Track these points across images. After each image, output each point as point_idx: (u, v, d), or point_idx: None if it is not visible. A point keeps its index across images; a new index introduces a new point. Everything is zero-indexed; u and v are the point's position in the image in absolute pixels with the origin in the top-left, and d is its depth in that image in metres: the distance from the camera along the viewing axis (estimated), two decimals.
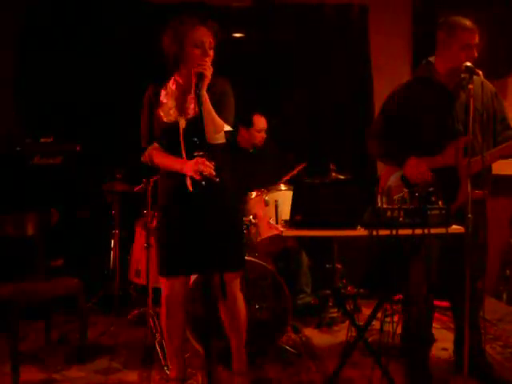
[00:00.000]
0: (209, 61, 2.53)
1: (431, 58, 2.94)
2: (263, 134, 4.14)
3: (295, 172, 3.95)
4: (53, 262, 4.22)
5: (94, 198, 4.23)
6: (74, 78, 4.53)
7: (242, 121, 4.08)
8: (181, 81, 2.64)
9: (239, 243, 2.78)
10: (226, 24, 4.72)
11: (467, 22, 2.79)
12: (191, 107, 2.59)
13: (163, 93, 2.66)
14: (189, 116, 2.58)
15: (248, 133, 4.12)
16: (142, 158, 2.70)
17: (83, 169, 4.35)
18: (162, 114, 2.61)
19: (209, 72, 2.49)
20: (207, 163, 2.42)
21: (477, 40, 2.77)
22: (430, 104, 2.86)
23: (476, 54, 2.75)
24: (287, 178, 3.90)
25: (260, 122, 4.14)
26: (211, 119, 2.52)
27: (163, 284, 2.70)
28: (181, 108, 2.60)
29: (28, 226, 3.46)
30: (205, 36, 2.55)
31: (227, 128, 2.62)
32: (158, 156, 2.64)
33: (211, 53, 2.57)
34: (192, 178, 2.47)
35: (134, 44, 4.45)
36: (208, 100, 2.51)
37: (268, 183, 3.79)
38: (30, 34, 4.56)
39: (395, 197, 2.44)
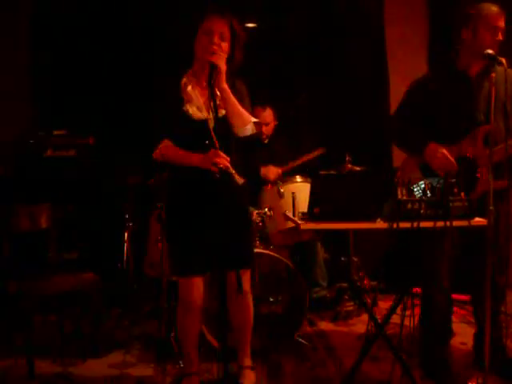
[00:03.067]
0: (219, 51, 2.45)
1: (457, 47, 2.87)
2: (263, 127, 4.08)
3: (311, 157, 3.89)
4: (67, 255, 4.21)
5: (108, 191, 4.20)
6: (88, 71, 4.50)
7: None
8: (196, 74, 2.57)
9: (250, 240, 2.76)
10: (238, 14, 4.74)
11: (494, 7, 2.76)
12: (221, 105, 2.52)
13: (188, 86, 2.55)
14: (220, 114, 2.49)
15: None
16: (154, 155, 2.60)
17: (97, 162, 4.33)
18: (190, 110, 2.51)
19: (220, 62, 2.41)
20: (223, 155, 2.37)
21: (503, 24, 2.73)
22: (452, 94, 2.81)
23: (502, 38, 2.71)
24: (303, 160, 3.84)
25: (258, 114, 4.07)
26: (237, 112, 2.49)
27: (182, 285, 2.64)
28: (210, 105, 2.48)
29: (41, 219, 3.44)
30: (216, 25, 2.48)
31: (254, 119, 2.60)
32: (171, 152, 2.54)
33: (223, 45, 2.48)
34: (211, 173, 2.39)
35: (149, 34, 4.41)
36: (230, 93, 2.46)
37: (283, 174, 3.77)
38: (44, 27, 4.52)
39: (412, 186, 2.39)
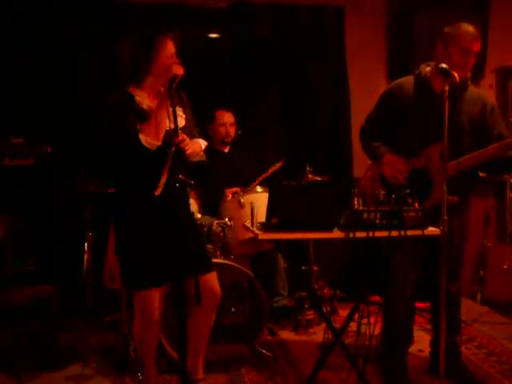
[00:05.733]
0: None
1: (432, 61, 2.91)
2: (228, 128, 4.11)
3: (272, 170, 3.91)
4: (24, 265, 4.12)
5: (68, 200, 4.14)
6: (46, 79, 4.44)
7: (205, 118, 4.09)
8: (148, 91, 2.58)
9: (204, 243, 2.84)
10: (201, 24, 4.76)
11: (470, 28, 2.76)
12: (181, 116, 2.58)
13: (145, 99, 2.54)
14: (180, 125, 2.50)
15: (212, 129, 4.10)
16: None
17: (56, 170, 4.26)
18: (145, 141, 2.45)
19: (180, 71, 2.47)
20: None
21: (475, 47, 2.73)
22: (418, 106, 2.86)
23: (473, 61, 2.72)
24: (265, 176, 3.87)
25: (222, 116, 4.11)
26: (194, 154, 2.60)
27: (138, 298, 2.61)
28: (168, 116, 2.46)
29: None
30: (173, 46, 2.58)
31: (203, 144, 2.71)
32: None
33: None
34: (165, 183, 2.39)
35: (106, 44, 4.36)
36: (191, 144, 2.52)
37: (244, 184, 3.77)
38: None
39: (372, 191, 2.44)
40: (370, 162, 3.06)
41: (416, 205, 2.40)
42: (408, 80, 2.95)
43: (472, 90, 2.88)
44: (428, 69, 2.87)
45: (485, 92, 2.91)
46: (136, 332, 2.68)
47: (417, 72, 2.91)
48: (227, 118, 4.12)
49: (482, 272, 4.57)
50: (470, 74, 2.86)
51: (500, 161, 2.77)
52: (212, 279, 2.69)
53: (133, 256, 2.56)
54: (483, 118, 2.85)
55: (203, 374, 2.81)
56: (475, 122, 2.84)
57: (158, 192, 2.38)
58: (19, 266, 3.82)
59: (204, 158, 2.74)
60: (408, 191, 2.41)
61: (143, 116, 2.47)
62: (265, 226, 2.41)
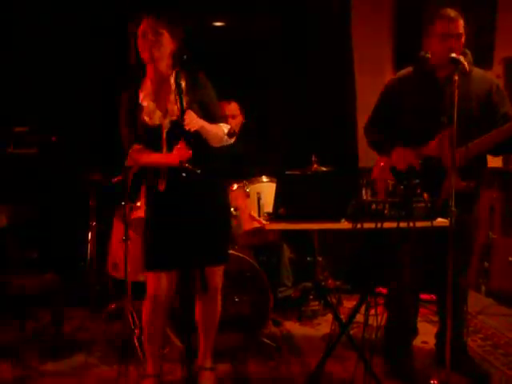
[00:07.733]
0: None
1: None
2: (230, 121, 4.07)
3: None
4: (27, 254, 4.12)
5: (71, 189, 4.13)
6: (49, 67, 4.41)
7: None
8: (153, 80, 2.59)
9: (225, 236, 2.76)
10: (206, 12, 4.72)
11: (448, 12, 2.74)
12: (175, 108, 2.53)
13: (141, 95, 2.60)
14: (174, 118, 2.53)
15: None
16: (127, 163, 2.66)
17: (60, 159, 4.25)
18: (146, 117, 2.55)
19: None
20: (185, 149, 2.42)
21: (456, 30, 2.69)
22: (421, 95, 2.83)
23: (454, 44, 2.68)
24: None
25: (223, 108, 4.07)
26: (211, 134, 2.56)
27: (150, 280, 2.64)
28: (164, 110, 2.56)
29: (1, 218, 3.36)
30: (144, 27, 2.54)
31: (225, 128, 2.64)
32: (142, 156, 2.57)
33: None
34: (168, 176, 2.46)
35: (109, 36, 4.33)
36: (204, 126, 2.50)
37: (246, 175, 3.74)
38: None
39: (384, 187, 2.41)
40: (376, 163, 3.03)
41: (425, 195, 2.37)
42: (407, 71, 2.94)
43: (476, 72, 2.85)
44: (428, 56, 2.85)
45: (488, 72, 2.86)
46: (144, 315, 2.68)
47: (417, 61, 2.88)
48: (229, 109, 4.06)
49: (486, 264, 4.55)
50: (471, 56, 2.83)
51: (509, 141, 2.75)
52: (216, 272, 2.70)
53: (150, 238, 2.62)
54: (489, 96, 2.81)
55: (212, 364, 2.81)
56: (482, 103, 2.81)
57: (161, 187, 2.48)
58: (22, 255, 3.82)
59: (231, 141, 2.69)
60: (417, 181, 2.38)
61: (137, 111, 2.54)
62: (272, 216, 2.39)
